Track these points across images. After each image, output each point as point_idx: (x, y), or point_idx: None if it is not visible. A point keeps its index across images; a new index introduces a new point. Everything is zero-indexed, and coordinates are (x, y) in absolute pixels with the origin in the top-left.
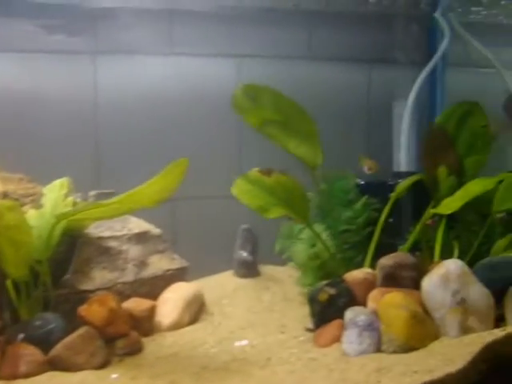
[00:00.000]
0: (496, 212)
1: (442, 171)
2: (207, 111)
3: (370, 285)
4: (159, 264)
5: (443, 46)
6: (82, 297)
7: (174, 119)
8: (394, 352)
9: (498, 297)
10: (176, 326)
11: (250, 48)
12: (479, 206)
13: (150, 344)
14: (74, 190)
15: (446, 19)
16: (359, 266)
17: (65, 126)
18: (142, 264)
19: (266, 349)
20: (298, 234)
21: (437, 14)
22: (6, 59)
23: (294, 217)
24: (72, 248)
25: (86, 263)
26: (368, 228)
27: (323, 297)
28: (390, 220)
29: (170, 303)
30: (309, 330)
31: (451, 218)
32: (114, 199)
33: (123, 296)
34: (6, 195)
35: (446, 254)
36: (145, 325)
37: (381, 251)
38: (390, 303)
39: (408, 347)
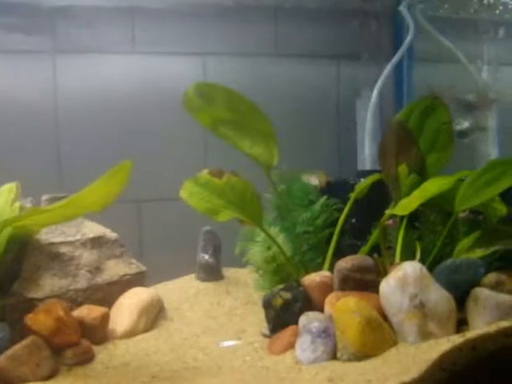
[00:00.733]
0: (459, 211)
1: (402, 169)
2: (172, 110)
3: (327, 288)
4: (115, 269)
5: (407, 40)
6: (31, 305)
7: (138, 119)
8: (349, 360)
9: (461, 300)
10: (130, 333)
11: (216, 46)
12: (443, 204)
13: (102, 353)
14: (35, 192)
15: (410, 13)
16: (319, 268)
17: (24, 126)
18: (96, 270)
19: (219, 356)
20: (255, 236)
21: (401, 8)
22: None
23: (245, 219)
24: (21, 255)
25: (34, 270)
26: (329, 229)
27: (278, 302)
28: (353, 220)
29: (125, 310)
30: (265, 335)
31: (415, 218)
32: (58, 204)
33: (76, 303)
34: None
35: (409, 256)
36: (97, 333)
37: (342, 253)
38: (343, 308)
39: (362, 354)
